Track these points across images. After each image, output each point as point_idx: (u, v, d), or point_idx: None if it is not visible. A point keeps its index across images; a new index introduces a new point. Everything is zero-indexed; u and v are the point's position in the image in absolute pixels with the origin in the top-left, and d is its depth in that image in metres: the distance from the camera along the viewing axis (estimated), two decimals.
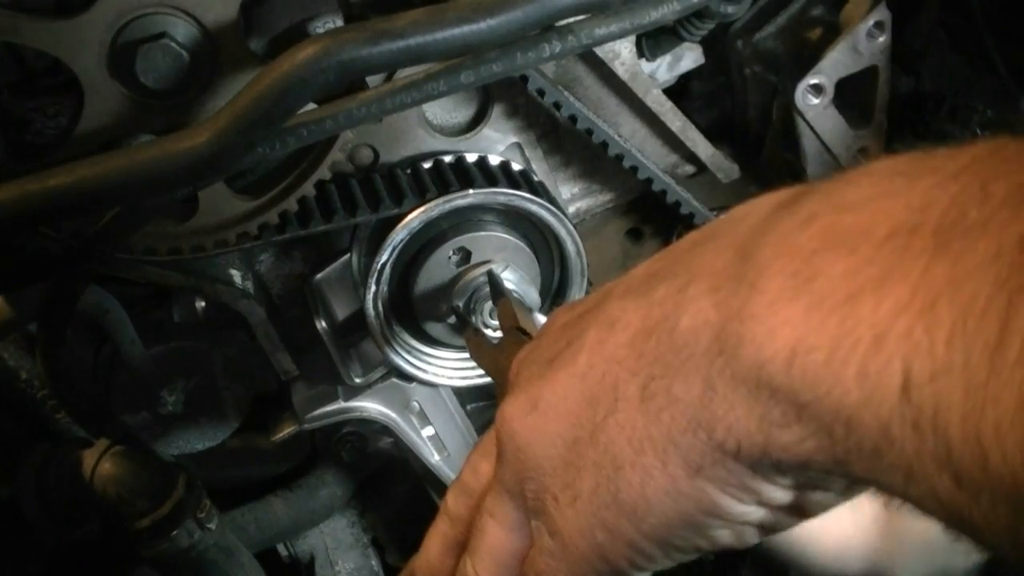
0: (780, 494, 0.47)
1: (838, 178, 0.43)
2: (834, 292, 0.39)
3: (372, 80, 0.92)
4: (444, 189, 1.01)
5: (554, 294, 1.14)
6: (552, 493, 0.52)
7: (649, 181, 1.12)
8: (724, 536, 0.50)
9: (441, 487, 1.25)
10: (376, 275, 1.03)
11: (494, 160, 1.06)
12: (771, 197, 0.47)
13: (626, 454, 0.48)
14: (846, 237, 0.40)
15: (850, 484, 0.48)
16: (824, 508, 0.49)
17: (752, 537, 0.50)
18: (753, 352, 0.41)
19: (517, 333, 0.87)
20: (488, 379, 1.12)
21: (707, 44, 1.10)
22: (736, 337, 0.42)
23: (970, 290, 0.34)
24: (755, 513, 0.48)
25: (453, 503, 0.64)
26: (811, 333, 0.39)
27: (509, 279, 1.05)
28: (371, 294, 1.04)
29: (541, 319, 0.88)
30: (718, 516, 0.48)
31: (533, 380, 0.55)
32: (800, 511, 0.49)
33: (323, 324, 1.10)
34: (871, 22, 1.05)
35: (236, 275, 1.08)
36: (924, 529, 0.70)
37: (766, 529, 0.50)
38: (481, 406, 1.27)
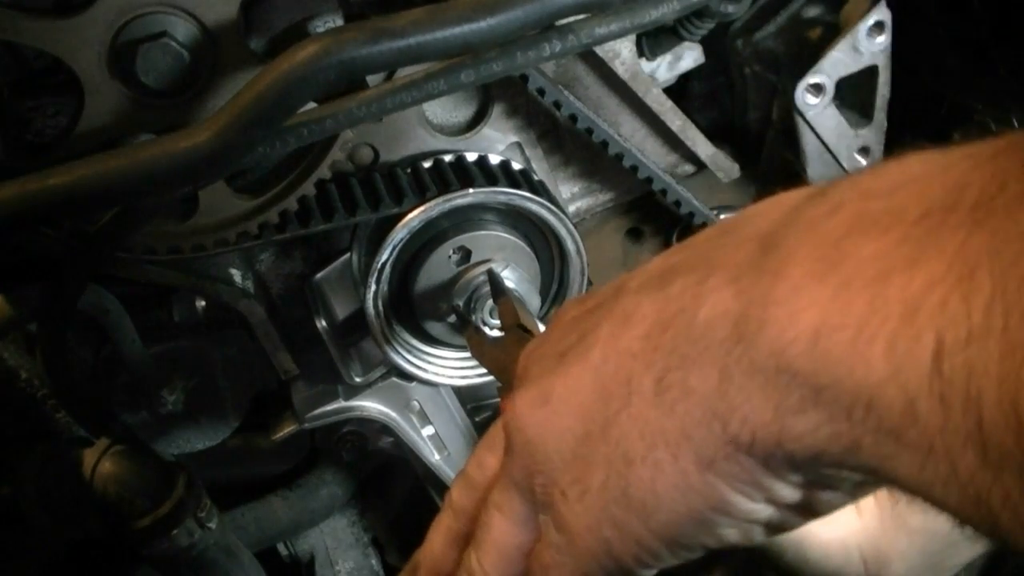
0: (790, 492, 0.46)
1: (866, 169, 0.44)
2: (863, 273, 0.38)
3: (372, 79, 0.92)
4: (444, 188, 1.01)
5: (554, 293, 1.14)
6: (561, 488, 0.52)
7: (649, 180, 1.12)
8: (731, 535, 0.49)
9: (441, 486, 1.25)
10: (376, 274, 1.03)
11: (494, 159, 1.06)
12: (793, 192, 0.47)
13: (637, 448, 0.48)
14: (876, 221, 0.39)
15: (859, 484, 0.47)
16: (833, 508, 0.49)
17: (759, 536, 0.50)
18: (774, 336, 0.41)
19: (519, 331, 0.87)
20: (489, 378, 1.13)
21: (707, 43, 1.10)
22: (757, 323, 0.42)
23: (1010, 258, 0.34)
24: (764, 511, 0.48)
25: (457, 496, 0.63)
26: (837, 313, 0.38)
27: (509, 278, 1.05)
28: (371, 293, 1.04)
29: (541, 327, 0.88)
30: (727, 513, 0.47)
31: (544, 374, 0.55)
32: (809, 510, 0.49)
33: (323, 323, 1.10)
34: (871, 21, 1.05)
35: (236, 274, 1.08)
36: (924, 522, 0.70)
37: (773, 528, 0.50)
38: (481, 405, 1.27)
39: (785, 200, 0.47)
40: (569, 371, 0.53)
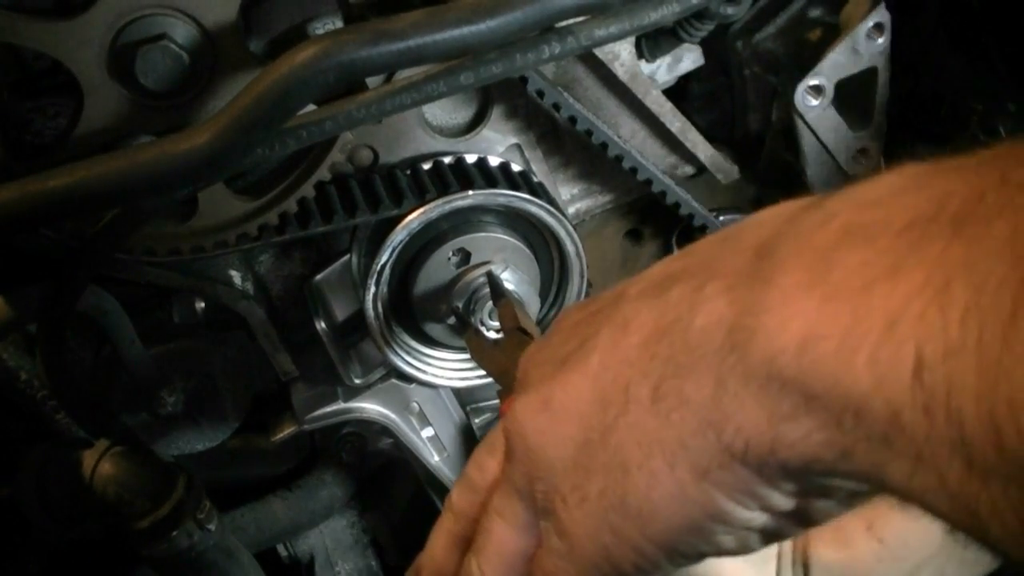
0: (784, 501, 0.47)
1: (862, 180, 0.44)
2: (849, 283, 0.39)
3: (372, 81, 0.92)
4: (444, 190, 1.01)
5: (553, 295, 1.14)
6: (561, 494, 0.52)
7: (649, 182, 1.12)
8: (728, 542, 0.50)
9: (441, 487, 1.25)
10: (376, 276, 1.03)
11: (494, 161, 1.06)
12: (793, 202, 0.48)
13: (635, 457, 0.48)
14: (865, 231, 0.40)
15: (853, 493, 0.48)
16: (827, 517, 0.50)
17: (756, 544, 0.50)
18: (765, 345, 0.41)
19: (519, 334, 0.87)
20: (488, 380, 1.13)
21: (707, 45, 1.10)
22: (748, 332, 0.42)
23: (984, 269, 0.34)
24: (759, 519, 0.48)
25: (458, 499, 0.63)
26: (823, 323, 0.39)
27: (508, 280, 1.05)
28: (371, 295, 1.04)
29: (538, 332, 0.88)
30: (723, 522, 0.48)
31: (545, 380, 0.55)
32: (804, 519, 0.49)
33: (323, 325, 1.10)
34: (871, 23, 1.05)
35: (236, 276, 1.08)
36: None
37: (769, 536, 0.50)
38: (481, 407, 1.27)
39: (784, 209, 0.47)
40: (569, 377, 0.53)
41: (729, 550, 0.50)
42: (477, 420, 1.26)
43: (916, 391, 0.35)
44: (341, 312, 1.12)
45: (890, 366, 0.36)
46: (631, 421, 0.48)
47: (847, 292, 0.38)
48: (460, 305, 1.05)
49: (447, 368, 1.15)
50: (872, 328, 0.37)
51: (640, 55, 1.08)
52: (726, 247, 0.48)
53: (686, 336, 0.46)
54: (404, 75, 0.88)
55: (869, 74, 1.08)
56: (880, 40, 1.06)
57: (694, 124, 1.12)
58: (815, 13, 1.13)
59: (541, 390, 0.54)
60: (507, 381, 0.82)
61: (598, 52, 1.03)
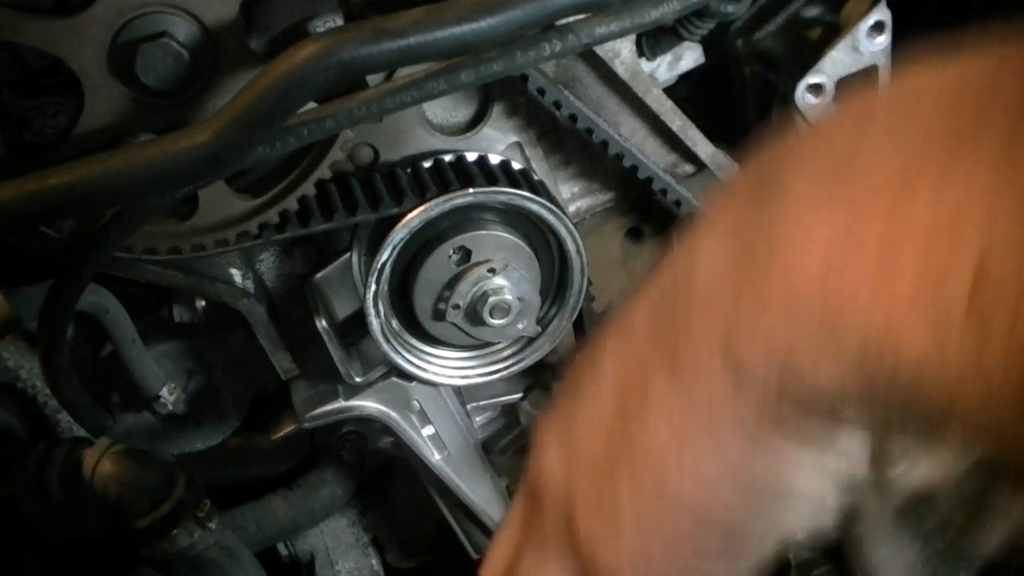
0: (849, 445, 0.41)
1: (858, 97, 0.39)
2: (880, 188, 0.33)
3: (372, 79, 0.92)
4: (444, 188, 1.01)
5: (554, 293, 1.14)
6: (592, 532, 0.45)
7: (649, 180, 1.12)
8: (801, 514, 0.43)
9: (441, 486, 1.25)
10: (376, 274, 1.03)
11: (494, 159, 1.06)
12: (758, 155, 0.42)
13: (670, 449, 0.42)
14: (884, 133, 0.35)
15: (929, 426, 0.40)
16: (909, 457, 0.44)
17: (832, 502, 0.44)
18: (780, 276, 0.36)
19: None
20: (490, 378, 1.13)
21: (707, 43, 1.10)
22: (762, 265, 0.37)
23: None
24: (832, 464, 0.41)
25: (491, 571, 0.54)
26: (854, 234, 0.34)
27: (509, 278, 1.05)
28: (371, 293, 1.04)
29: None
30: (790, 480, 0.41)
31: (564, 422, 0.48)
32: (883, 462, 0.43)
33: (323, 323, 1.10)
34: (871, 21, 1.05)
35: (236, 274, 1.08)
36: None
37: (846, 491, 0.43)
38: (481, 405, 1.28)
39: (770, 149, 0.41)
40: (584, 401, 0.46)
41: (803, 524, 0.44)
42: (479, 418, 1.26)
43: (971, 307, 0.30)
44: (342, 310, 1.12)
45: (940, 281, 0.31)
46: (654, 412, 0.42)
47: (881, 199, 0.33)
48: (461, 303, 1.05)
49: (448, 366, 1.15)
50: (915, 238, 0.32)
51: (640, 53, 1.08)
52: (715, 203, 0.42)
53: (690, 294, 0.40)
54: (405, 73, 0.88)
55: (870, 72, 1.08)
56: (881, 38, 1.06)
57: (694, 122, 1.12)
58: (815, 11, 1.13)
59: (560, 426, 0.48)
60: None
61: (599, 50, 1.03)
